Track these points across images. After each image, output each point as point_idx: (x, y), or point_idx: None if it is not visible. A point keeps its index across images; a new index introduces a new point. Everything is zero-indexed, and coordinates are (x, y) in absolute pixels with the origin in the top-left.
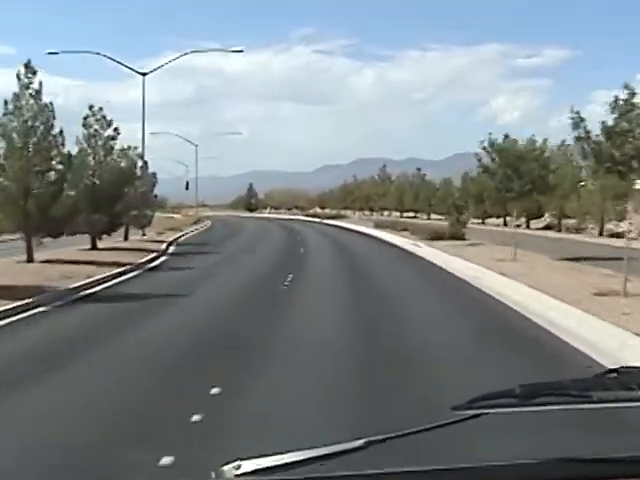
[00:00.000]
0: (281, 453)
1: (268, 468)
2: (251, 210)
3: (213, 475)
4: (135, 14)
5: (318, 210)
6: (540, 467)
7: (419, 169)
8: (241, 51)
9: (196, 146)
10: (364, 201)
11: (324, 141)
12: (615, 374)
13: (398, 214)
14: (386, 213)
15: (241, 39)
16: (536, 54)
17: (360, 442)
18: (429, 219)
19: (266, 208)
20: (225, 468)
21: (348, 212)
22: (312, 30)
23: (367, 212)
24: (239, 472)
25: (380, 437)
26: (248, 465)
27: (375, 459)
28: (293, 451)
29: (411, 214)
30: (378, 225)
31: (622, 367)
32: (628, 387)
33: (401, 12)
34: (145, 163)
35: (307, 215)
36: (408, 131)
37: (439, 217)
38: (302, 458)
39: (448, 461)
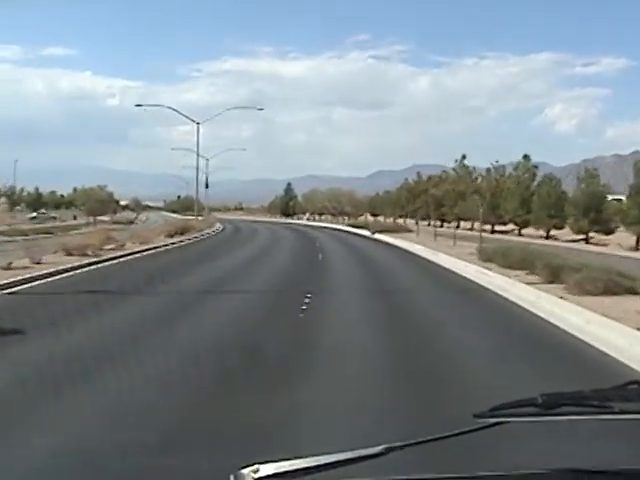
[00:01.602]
0: (300, 457)
1: (287, 472)
2: (288, 215)
3: (232, 478)
4: (196, 17)
5: (369, 218)
6: (559, 478)
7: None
8: (262, 109)
9: (207, 160)
10: (431, 206)
11: (378, 147)
12: (636, 385)
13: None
14: (460, 224)
15: (297, 44)
16: (593, 63)
17: (380, 448)
18: (586, 241)
19: (304, 213)
20: (244, 471)
21: (408, 221)
22: (368, 36)
23: (434, 222)
24: (257, 476)
25: (400, 444)
26: (266, 469)
27: (394, 465)
28: (312, 456)
29: (505, 227)
30: (508, 263)
31: None
32: None
33: (457, 20)
34: None
35: (354, 225)
36: (463, 138)
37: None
38: (320, 463)
39: (467, 469)
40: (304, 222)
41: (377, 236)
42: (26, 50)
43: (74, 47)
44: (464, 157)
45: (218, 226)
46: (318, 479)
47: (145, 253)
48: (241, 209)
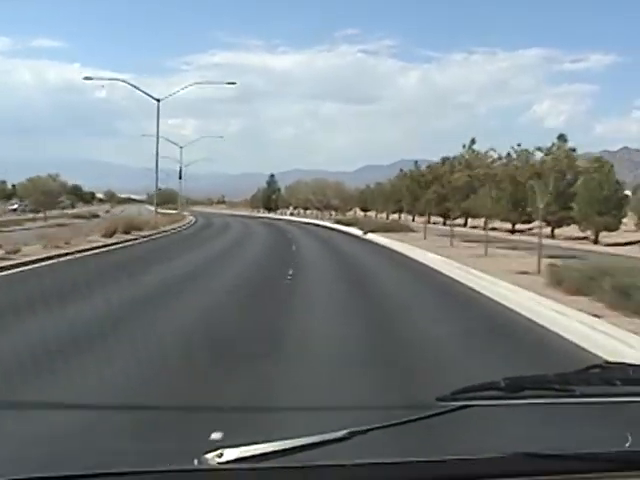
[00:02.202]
0: (264, 442)
1: (250, 456)
2: (270, 209)
3: (196, 462)
4: (186, 10)
5: (359, 213)
6: (518, 460)
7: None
8: (234, 83)
9: (181, 148)
10: (435, 200)
11: (366, 141)
12: (598, 369)
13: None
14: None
15: (286, 38)
16: (582, 59)
17: (343, 432)
18: None
19: (288, 208)
20: (208, 456)
21: (404, 218)
22: (358, 30)
23: (451, 221)
24: (222, 460)
25: (363, 428)
26: (231, 453)
27: (357, 450)
28: (276, 440)
29: (528, 225)
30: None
31: (605, 363)
32: (610, 382)
33: (447, 14)
34: None
35: (342, 222)
36: (451, 134)
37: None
38: (284, 447)
39: (431, 453)
40: (287, 217)
41: (370, 236)
42: (15, 41)
43: (63, 39)
44: (473, 141)
45: (186, 221)
46: (282, 463)
47: (32, 266)
48: (223, 202)
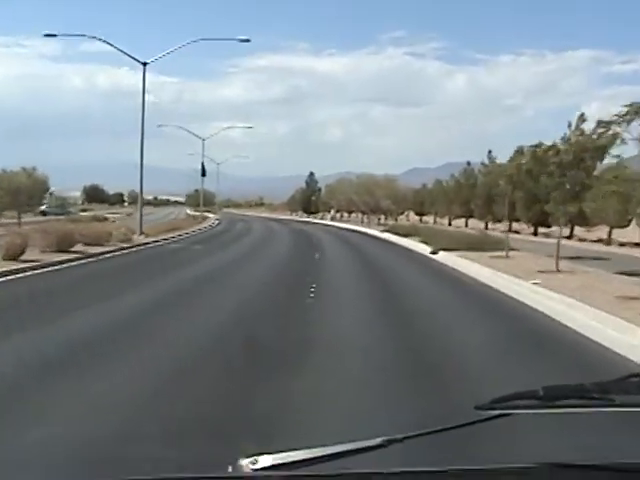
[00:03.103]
0: (299, 449)
1: (285, 464)
2: (310, 213)
3: (230, 469)
4: (232, 13)
5: (412, 217)
6: (553, 471)
7: None
8: (248, 40)
9: (203, 140)
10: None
11: (413, 144)
12: (637, 378)
13: None
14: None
15: (333, 41)
16: (632, 60)
17: (379, 440)
18: None
19: (329, 211)
20: (242, 462)
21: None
22: (404, 32)
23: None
24: (256, 467)
25: (400, 436)
26: (265, 460)
27: (394, 458)
28: (311, 447)
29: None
30: None
31: None
32: None
33: (495, 16)
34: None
35: (395, 232)
36: (498, 136)
37: None
38: (319, 455)
39: (468, 462)
40: (326, 222)
41: (445, 258)
42: (65, 46)
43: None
44: (583, 117)
45: (197, 228)
46: (317, 471)
47: None
48: (262, 205)
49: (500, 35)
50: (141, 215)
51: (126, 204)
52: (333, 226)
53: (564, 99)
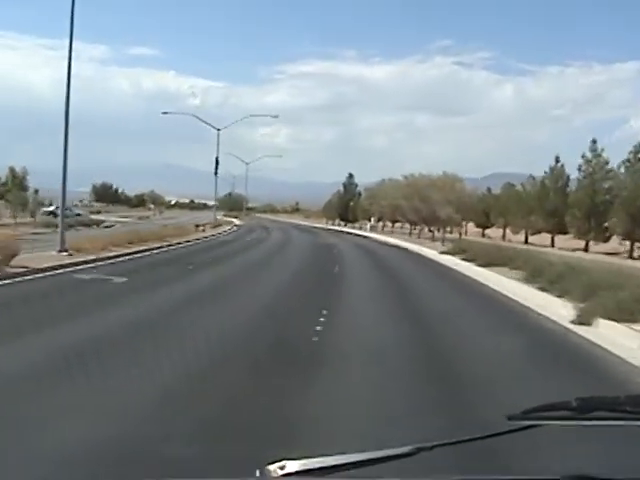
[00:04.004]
0: (327, 455)
1: (313, 469)
2: (347, 221)
3: (257, 473)
4: (280, 20)
5: (473, 231)
6: None
7: None
8: (276, 116)
9: (218, 130)
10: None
11: (458, 153)
12: None
13: None
14: None
15: (380, 48)
16: None
17: (409, 448)
18: None
19: (370, 219)
20: (270, 467)
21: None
22: (451, 42)
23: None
24: (284, 472)
25: (430, 444)
26: (293, 465)
27: (424, 466)
28: (339, 454)
29: None
30: None
31: None
32: None
33: (543, 27)
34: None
35: (470, 257)
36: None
37: None
38: (347, 461)
39: (497, 472)
40: (365, 233)
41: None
42: (113, 49)
43: (159, 47)
44: None
45: (193, 237)
46: (344, 477)
47: None
48: (297, 210)
49: (548, 46)
50: (62, 225)
51: (152, 206)
52: (372, 239)
53: (612, 111)
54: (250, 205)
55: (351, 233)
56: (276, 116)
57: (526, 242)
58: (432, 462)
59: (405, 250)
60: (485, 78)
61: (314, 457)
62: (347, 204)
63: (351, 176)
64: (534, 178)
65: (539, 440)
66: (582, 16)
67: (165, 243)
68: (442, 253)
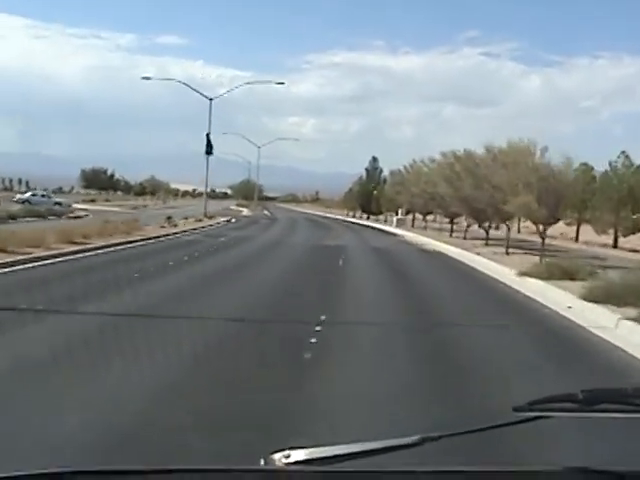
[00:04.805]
0: (332, 445)
1: (318, 459)
2: (370, 213)
3: (262, 462)
4: (309, 9)
5: (531, 228)
6: (594, 476)
7: None
8: (282, 83)
9: (211, 100)
10: None
11: (486, 144)
12: None
13: None
14: None
15: (407, 39)
16: None
17: (415, 438)
18: None
19: (397, 211)
20: (275, 456)
21: None
22: (479, 32)
23: None
24: (289, 461)
25: (436, 434)
26: (298, 454)
27: (429, 456)
28: (345, 443)
29: None
30: None
31: None
32: None
33: (572, 18)
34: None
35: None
36: (573, 139)
37: None
38: (353, 451)
39: (503, 463)
40: (392, 229)
41: None
42: (141, 38)
43: (187, 36)
44: None
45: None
46: (349, 467)
47: None
48: (317, 200)
49: (576, 37)
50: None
51: (159, 194)
52: (401, 239)
53: None
54: (271, 195)
55: (374, 228)
56: (282, 83)
57: (615, 245)
58: (437, 452)
59: (462, 265)
60: (512, 69)
61: (319, 446)
62: (370, 193)
63: (375, 160)
64: (628, 156)
65: (544, 432)
66: (613, 7)
67: (76, 248)
68: (521, 275)
